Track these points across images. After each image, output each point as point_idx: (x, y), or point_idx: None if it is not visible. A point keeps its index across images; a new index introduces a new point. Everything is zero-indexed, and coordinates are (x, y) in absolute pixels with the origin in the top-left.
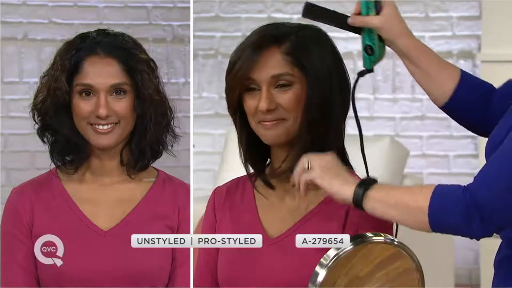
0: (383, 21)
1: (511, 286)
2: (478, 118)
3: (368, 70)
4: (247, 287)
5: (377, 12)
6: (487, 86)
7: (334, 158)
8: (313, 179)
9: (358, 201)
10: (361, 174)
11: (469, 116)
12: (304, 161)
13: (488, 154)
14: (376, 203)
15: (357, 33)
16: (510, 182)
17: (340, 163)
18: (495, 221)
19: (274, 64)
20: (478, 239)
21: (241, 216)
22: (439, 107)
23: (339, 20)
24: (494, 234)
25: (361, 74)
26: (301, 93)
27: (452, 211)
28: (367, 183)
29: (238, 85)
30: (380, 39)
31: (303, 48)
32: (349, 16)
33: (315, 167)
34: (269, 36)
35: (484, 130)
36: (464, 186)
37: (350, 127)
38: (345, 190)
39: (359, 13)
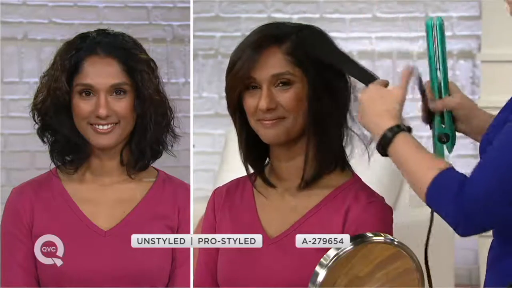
0: (461, 97)
1: (502, 287)
2: None
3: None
4: (247, 287)
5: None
6: None
7: (375, 91)
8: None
9: (382, 149)
10: (361, 174)
11: None
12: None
13: (482, 152)
14: (394, 157)
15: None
16: (500, 189)
17: (383, 95)
18: (481, 228)
19: (274, 63)
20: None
21: (241, 216)
22: None
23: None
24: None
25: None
26: (302, 92)
27: (444, 208)
28: (395, 131)
29: (238, 84)
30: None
31: (304, 48)
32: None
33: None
34: (270, 36)
35: None
36: (461, 186)
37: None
38: (375, 133)
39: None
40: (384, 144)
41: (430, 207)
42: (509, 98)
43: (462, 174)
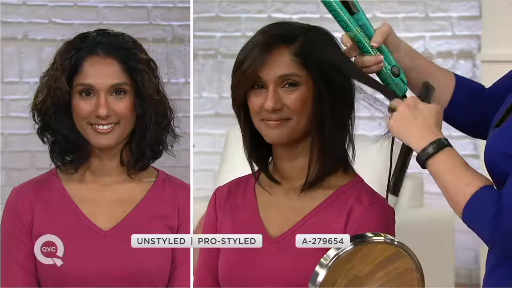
0: (388, 24)
1: None
2: (476, 120)
3: (404, 96)
4: (247, 286)
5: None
6: (480, 86)
7: (421, 104)
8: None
9: (421, 162)
10: (362, 174)
11: (468, 119)
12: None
13: (493, 157)
14: (434, 169)
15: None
16: None
17: (429, 109)
18: None
19: (282, 64)
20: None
21: (242, 215)
22: None
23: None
24: None
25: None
26: (307, 94)
27: (481, 229)
28: (442, 145)
29: (245, 83)
30: None
31: (312, 50)
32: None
33: (393, 119)
34: (279, 36)
35: (482, 132)
36: (498, 206)
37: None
38: (415, 145)
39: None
40: (428, 156)
41: (466, 224)
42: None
43: (498, 193)
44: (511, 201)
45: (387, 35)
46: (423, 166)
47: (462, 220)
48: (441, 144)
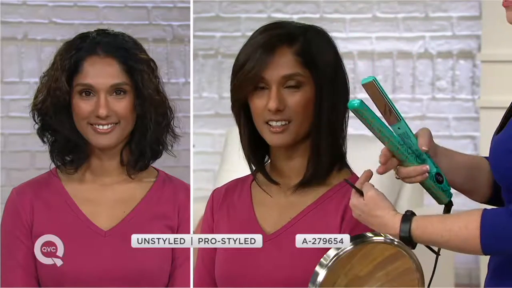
0: (428, 128)
1: None
2: None
3: (450, 202)
4: (244, 283)
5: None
6: None
7: (360, 206)
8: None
9: (407, 239)
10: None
11: None
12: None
13: (498, 157)
14: (427, 243)
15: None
16: None
17: (368, 209)
18: None
19: (285, 64)
20: None
21: (238, 214)
22: (486, 203)
23: None
24: None
25: (447, 210)
26: (310, 95)
27: (506, 240)
28: (408, 219)
29: (248, 85)
30: None
31: (313, 49)
32: None
33: (354, 208)
34: (280, 36)
35: None
36: (509, 209)
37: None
38: (388, 231)
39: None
40: (409, 241)
41: (491, 254)
42: None
43: (500, 209)
44: None
45: (431, 138)
46: (414, 246)
47: (485, 254)
48: (407, 223)
